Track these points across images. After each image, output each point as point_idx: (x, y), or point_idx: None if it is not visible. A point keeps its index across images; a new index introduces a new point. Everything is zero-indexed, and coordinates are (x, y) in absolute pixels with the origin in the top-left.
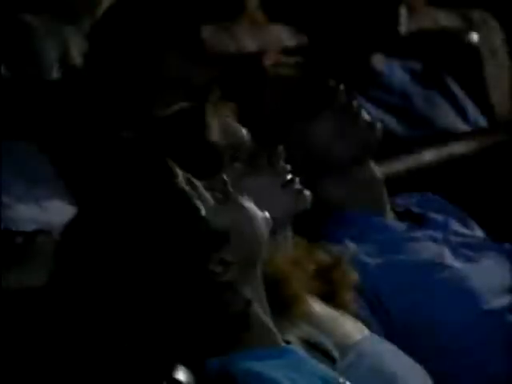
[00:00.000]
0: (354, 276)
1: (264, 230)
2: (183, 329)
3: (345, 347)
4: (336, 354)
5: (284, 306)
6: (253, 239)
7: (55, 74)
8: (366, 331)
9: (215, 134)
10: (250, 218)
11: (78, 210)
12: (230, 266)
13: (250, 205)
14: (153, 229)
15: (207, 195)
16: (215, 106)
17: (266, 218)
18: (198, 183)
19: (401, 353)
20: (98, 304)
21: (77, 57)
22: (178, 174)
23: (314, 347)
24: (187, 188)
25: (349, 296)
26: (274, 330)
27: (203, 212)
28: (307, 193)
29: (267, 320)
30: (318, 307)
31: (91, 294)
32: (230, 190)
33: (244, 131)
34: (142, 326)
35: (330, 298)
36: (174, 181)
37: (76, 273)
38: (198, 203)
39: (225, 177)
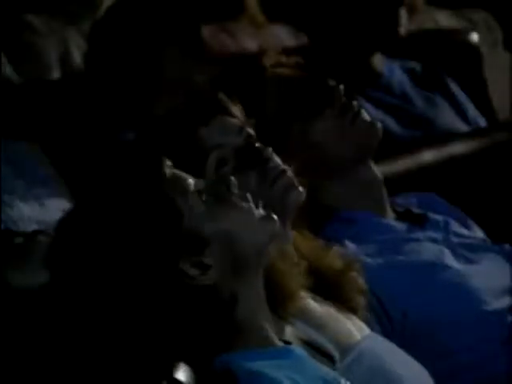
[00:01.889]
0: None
1: (265, 233)
2: (171, 327)
3: (345, 347)
4: (336, 354)
5: (278, 303)
6: (249, 243)
7: (55, 73)
8: (367, 330)
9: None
10: (247, 222)
11: (72, 207)
12: (208, 270)
13: (251, 209)
14: (131, 227)
15: (196, 200)
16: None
17: (267, 218)
18: (190, 185)
19: (401, 352)
20: (96, 303)
21: (77, 57)
22: (165, 175)
23: (312, 347)
24: (171, 191)
25: (360, 300)
26: (270, 331)
27: (182, 215)
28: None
29: (260, 321)
30: (318, 307)
31: (87, 292)
32: (234, 191)
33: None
34: (141, 325)
35: (342, 301)
36: (159, 182)
37: (68, 271)
38: (179, 207)
39: (232, 178)
